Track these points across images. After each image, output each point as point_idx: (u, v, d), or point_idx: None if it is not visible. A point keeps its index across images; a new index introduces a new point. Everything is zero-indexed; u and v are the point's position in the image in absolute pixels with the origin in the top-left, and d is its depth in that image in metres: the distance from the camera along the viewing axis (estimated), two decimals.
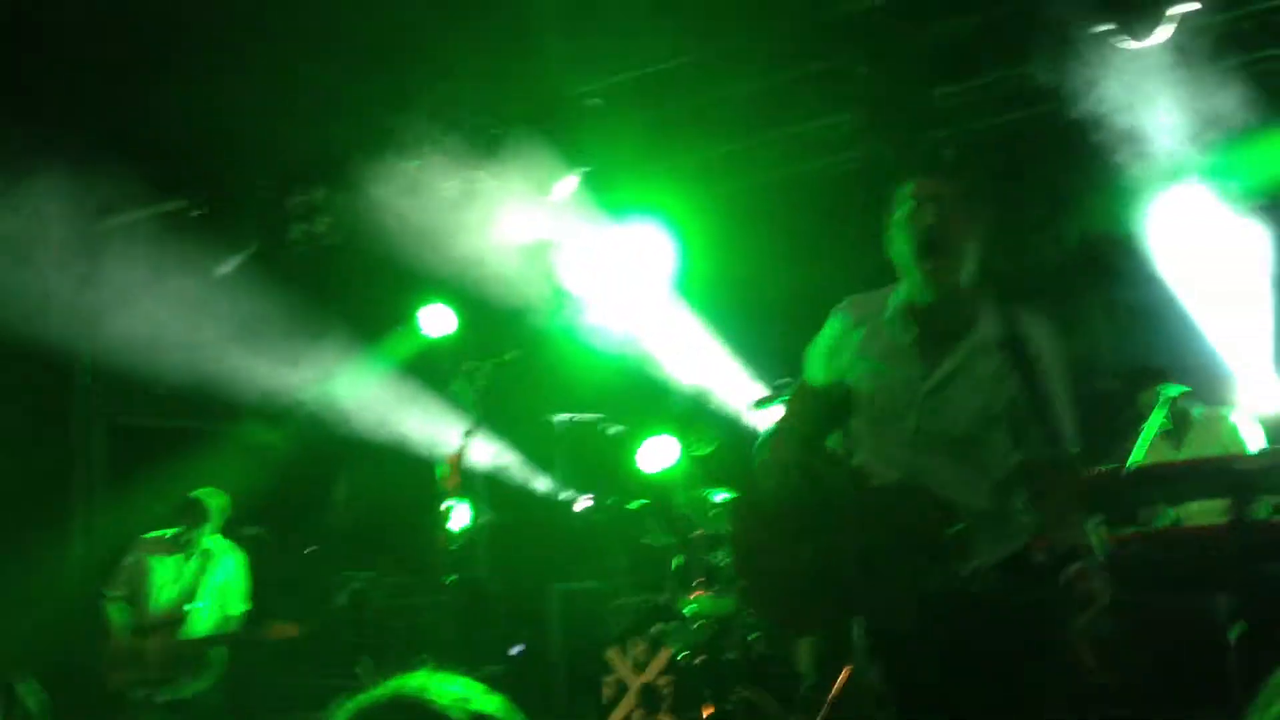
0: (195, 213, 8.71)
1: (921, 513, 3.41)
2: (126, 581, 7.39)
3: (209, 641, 7.25)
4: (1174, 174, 7.11)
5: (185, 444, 8.48)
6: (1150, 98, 6.93)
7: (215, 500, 7.54)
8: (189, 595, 7.34)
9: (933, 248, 3.48)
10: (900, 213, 3.62)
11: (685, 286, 8.56)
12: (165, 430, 8.42)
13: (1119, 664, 5.83)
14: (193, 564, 7.42)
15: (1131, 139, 7.36)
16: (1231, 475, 5.83)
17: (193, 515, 7.40)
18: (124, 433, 8.57)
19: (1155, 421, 6.48)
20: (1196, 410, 6.65)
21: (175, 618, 7.26)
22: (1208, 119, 6.76)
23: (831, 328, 3.79)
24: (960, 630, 3.34)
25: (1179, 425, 6.64)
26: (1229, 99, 6.76)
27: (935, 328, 3.56)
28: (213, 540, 7.50)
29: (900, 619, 3.38)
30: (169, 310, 8.69)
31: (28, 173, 7.23)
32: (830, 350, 3.75)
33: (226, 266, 8.78)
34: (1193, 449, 6.53)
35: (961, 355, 3.53)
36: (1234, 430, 6.54)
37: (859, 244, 7.92)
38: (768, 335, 7.71)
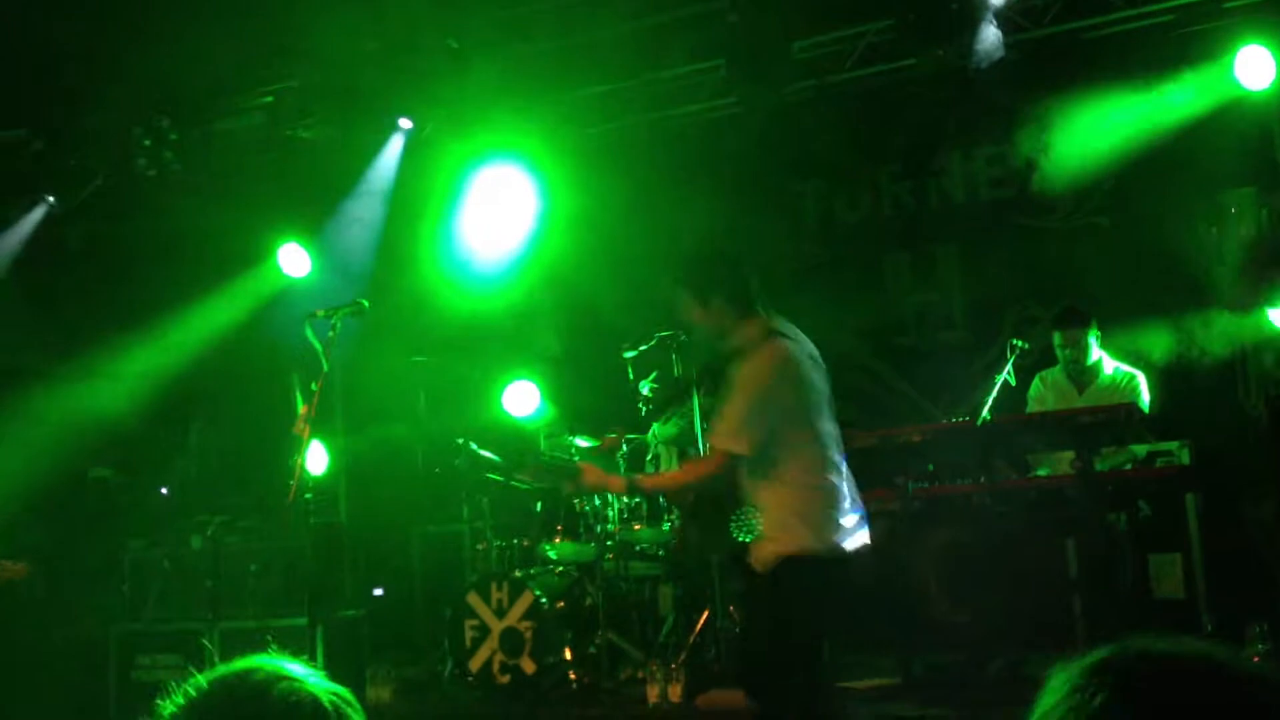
0: (39, 145, 8.38)
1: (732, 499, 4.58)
2: None
3: None
4: None
5: (28, 383, 8.17)
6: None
7: None
8: None
9: None
10: None
11: (550, 230, 8.52)
12: (5, 369, 8.09)
13: (968, 605, 6.09)
14: None
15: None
16: (1073, 428, 6.09)
17: None
18: None
19: (1005, 374, 6.70)
20: (1104, 371, 6.89)
21: None
22: None
23: None
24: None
25: (1086, 374, 6.86)
26: None
27: None
28: None
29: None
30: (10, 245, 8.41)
31: None
32: None
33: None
34: (1094, 399, 6.76)
35: None
36: (1137, 391, 6.79)
37: (725, 191, 8.08)
38: (632, 280, 7.73)
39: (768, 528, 4.42)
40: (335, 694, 1.66)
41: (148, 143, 8.54)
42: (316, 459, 7.72)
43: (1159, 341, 7.40)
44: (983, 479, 6.44)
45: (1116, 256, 7.72)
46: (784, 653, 4.35)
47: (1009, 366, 6.76)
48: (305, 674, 1.65)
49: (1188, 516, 5.91)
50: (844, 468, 4.57)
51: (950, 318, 8.48)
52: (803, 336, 4.64)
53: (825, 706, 4.52)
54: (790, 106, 8.03)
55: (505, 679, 6.80)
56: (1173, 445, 6.27)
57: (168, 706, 1.68)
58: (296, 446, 6.17)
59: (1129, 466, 6.34)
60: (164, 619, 7.63)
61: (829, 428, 4.53)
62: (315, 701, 1.62)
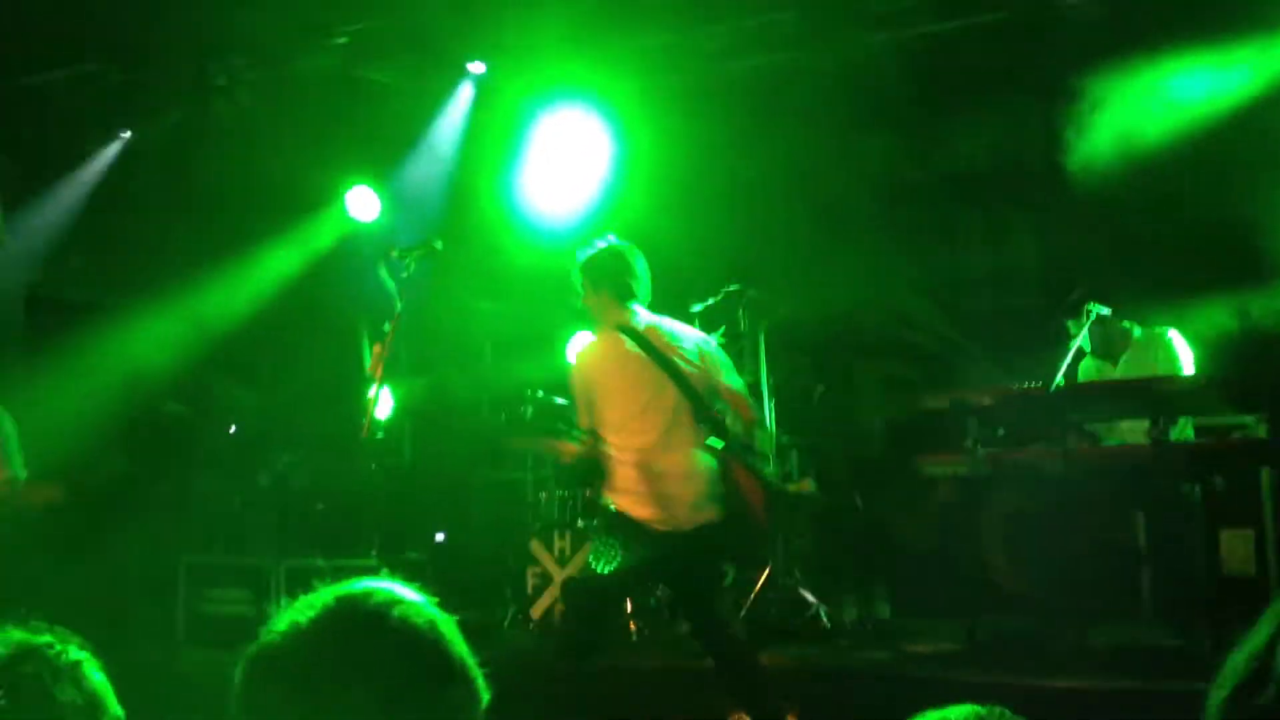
0: (116, 78, 8.43)
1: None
2: None
3: None
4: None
5: (102, 319, 8.27)
6: None
7: None
8: None
9: None
10: None
11: (619, 178, 8.45)
12: (81, 304, 8.19)
13: (1033, 573, 6.04)
14: None
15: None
16: (1150, 396, 6.00)
17: None
18: (42, 304, 8.32)
19: (1080, 339, 6.59)
20: (1137, 330, 6.73)
21: None
22: None
23: None
24: None
25: (1117, 343, 6.72)
26: None
27: None
28: None
29: None
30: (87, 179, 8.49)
31: None
32: None
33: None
34: (1130, 368, 6.64)
35: None
36: (1171, 350, 6.63)
37: (795, 142, 7.98)
38: (702, 231, 7.69)
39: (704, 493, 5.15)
40: (445, 621, 1.70)
41: (222, 81, 8.59)
42: (382, 402, 7.79)
43: (1232, 314, 7.26)
44: (1054, 446, 6.35)
45: (1189, 227, 7.56)
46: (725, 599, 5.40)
47: (1084, 332, 6.64)
48: (420, 600, 1.70)
49: (1262, 492, 5.80)
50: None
51: (1023, 281, 8.36)
52: (666, 327, 5.32)
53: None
54: (862, 59, 7.90)
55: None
56: (1249, 419, 6.16)
57: (291, 615, 1.72)
58: (370, 386, 6.24)
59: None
60: (232, 553, 7.75)
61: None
62: (432, 625, 1.67)
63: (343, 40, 8.36)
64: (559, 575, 6.97)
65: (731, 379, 5.40)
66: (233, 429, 8.53)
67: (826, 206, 7.88)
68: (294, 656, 1.70)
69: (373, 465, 7.39)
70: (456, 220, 8.63)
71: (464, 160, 8.88)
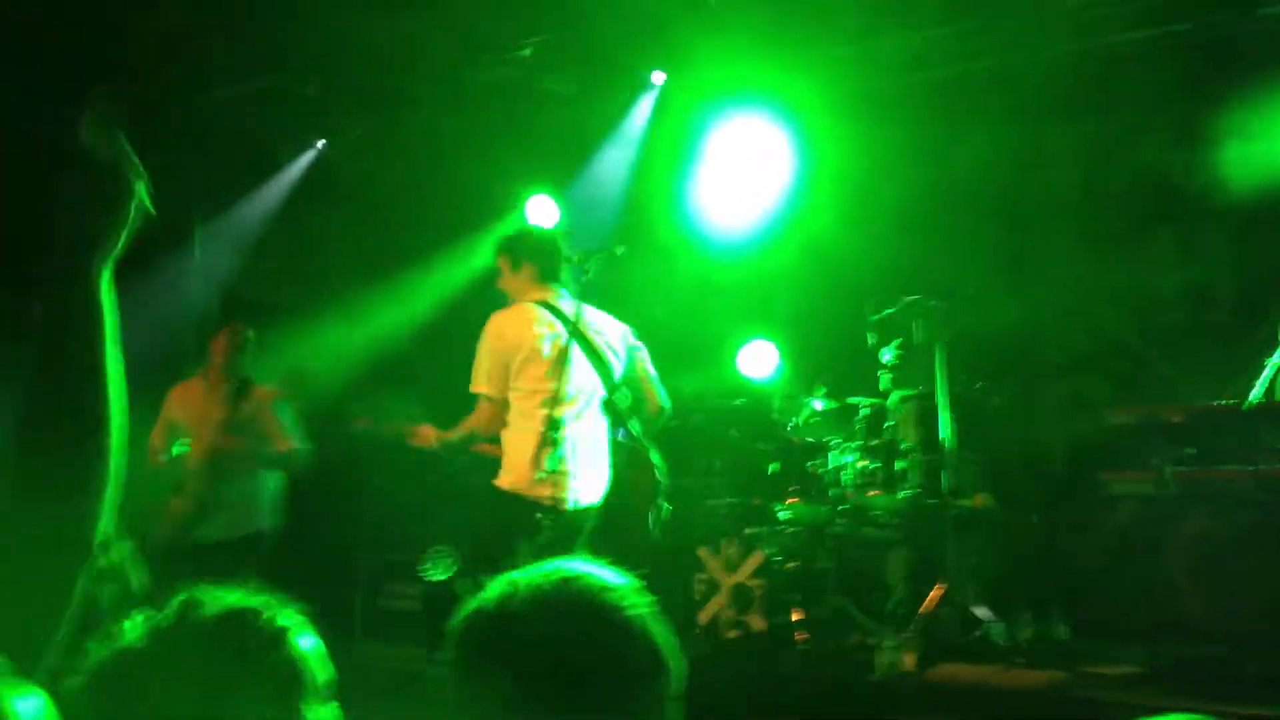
0: (305, 91, 8.74)
1: None
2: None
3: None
4: None
5: (293, 317, 8.58)
6: None
7: None
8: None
9: None
10: None
11: (798, 185, 8.40)
12: (273, 305, 8.50)
13: (1222, 598, 5.79)
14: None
15: None
16: None
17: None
18: (238, 304, 8.66)
19: (1277, 358, 6.29)
20: None
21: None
22: None
23: None
24: None
25: None
26: None
27: None
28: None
29: None
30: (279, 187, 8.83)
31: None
32: None
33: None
34: None
35: None
36: None
37: (981, 151, 7.83)
38: (883, 238, 7.60)
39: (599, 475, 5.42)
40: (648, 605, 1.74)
41: (408, 94, 8.84)
42: None
43: None
44: (1246, 466, 6.08)
45: None
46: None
47: None
48: (622, 581, 1.77)
49: None
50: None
51: (1216, 297, 8.03)
52: (588, 313, 5.55)
53: None
54: (1052, 68, 7.71)
55: (733, 634, 6.83)
56: None
57: (502, 587, 1.76)
58: None
59: None
60: (406, 552, 7.95)
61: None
62: (642, 613, 1.76)
63: (525, 52, 8.54)
64: (727, 581, 6.96)
65: (649, 370, 5.67)
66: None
67: (1013, 218, 7.70)
68: (505, 629, 1.75)
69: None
70: (631, 229, 8.72)
71: (640, 169, 8.96)
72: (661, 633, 1.80)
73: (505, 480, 5.33)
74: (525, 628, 1.74)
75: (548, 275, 5.60)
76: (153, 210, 2.05)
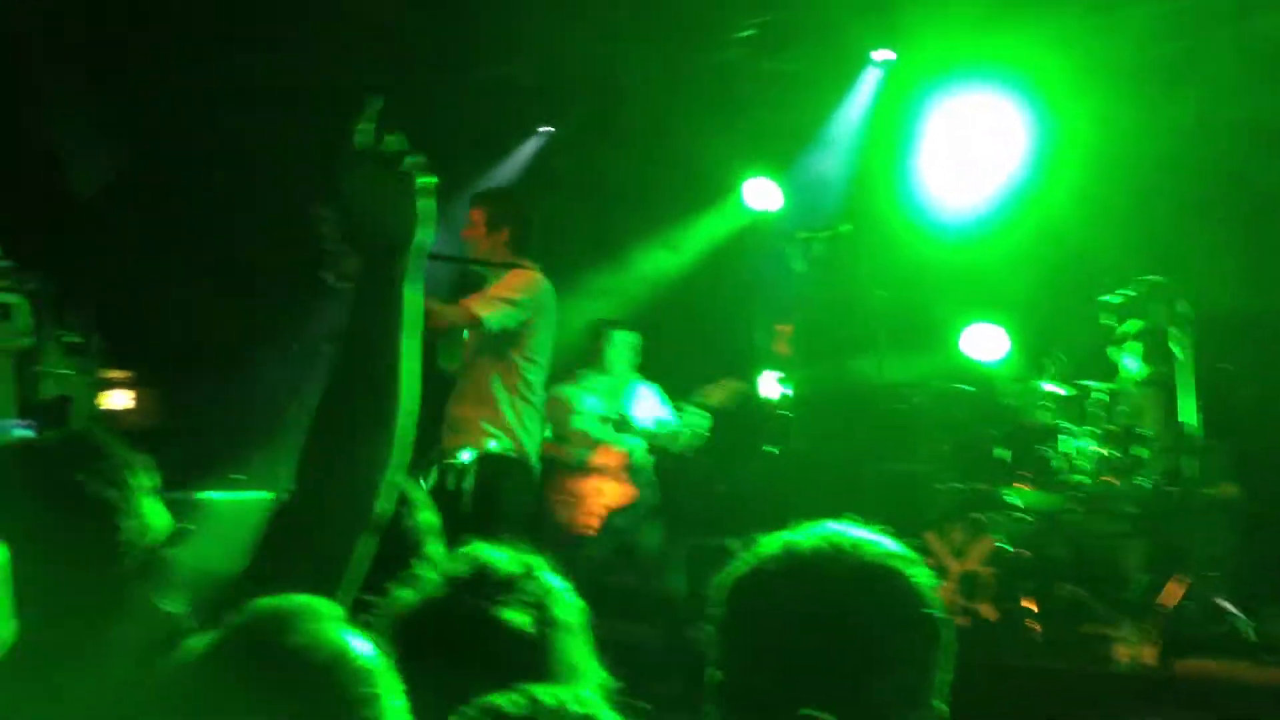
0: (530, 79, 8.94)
1: None
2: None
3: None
4: None
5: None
6: None
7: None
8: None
9: None
10: None
11: (1034, 164, 8.15)
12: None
13: None
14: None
15: None
16: None
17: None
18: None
19: None
20: None
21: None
22: None
23: None
24: None
25: None
26: None
27: None
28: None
29: None
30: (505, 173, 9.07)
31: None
32: None
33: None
34: None
35: None
36: None
37: (1228, 129, 7.46)
38: (1123, 218, 7.33)
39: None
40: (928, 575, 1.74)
41: (631, 77, 8.93)
42: (770, 386, 7.89)
43: None
44: None
45: None
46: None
47: None
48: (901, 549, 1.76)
49: None
50: None
51: None
52: None
53: None
54: None
55: (964, 621, 6.70)
56: None
57: (776, 548, 1.77)
58: (776, 365, 6.33)
59: None
60: None
61: None
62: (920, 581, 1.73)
63: (748, 33, 8.53)
64: (955, 568, 6.85)
65: None
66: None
67: (1263, 196, 7.32)
68: (781, 590, 1.75)
69: (770, 449, 7.49)
70: (854, 210, 8.61)
71: (864, 148, 8.85)
72: (939, 603, 1.78)
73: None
74: (801, 589, 1.73)
75: (522, 244, 5.65)
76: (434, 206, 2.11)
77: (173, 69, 8.03)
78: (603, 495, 7.20)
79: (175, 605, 1.92)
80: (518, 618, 1.87)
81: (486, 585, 1.90)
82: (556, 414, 7.08)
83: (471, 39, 8.37)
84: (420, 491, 2.42)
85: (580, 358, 7.43)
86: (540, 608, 1.90)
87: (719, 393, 7.27)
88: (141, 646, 1.81)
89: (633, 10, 8.09)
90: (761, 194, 8.68)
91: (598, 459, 7.22)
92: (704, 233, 9.22)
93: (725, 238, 9.20)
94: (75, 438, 1.92)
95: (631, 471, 7.26)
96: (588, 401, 7.29)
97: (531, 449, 5.67)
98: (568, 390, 7.25)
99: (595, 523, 7.12)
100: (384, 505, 1.97)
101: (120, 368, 8.10)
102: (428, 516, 2.42)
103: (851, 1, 7.89)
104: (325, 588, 1.78)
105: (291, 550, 1.89)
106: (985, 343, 8.02)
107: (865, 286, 8.04)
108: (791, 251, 6.34)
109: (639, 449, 7.27)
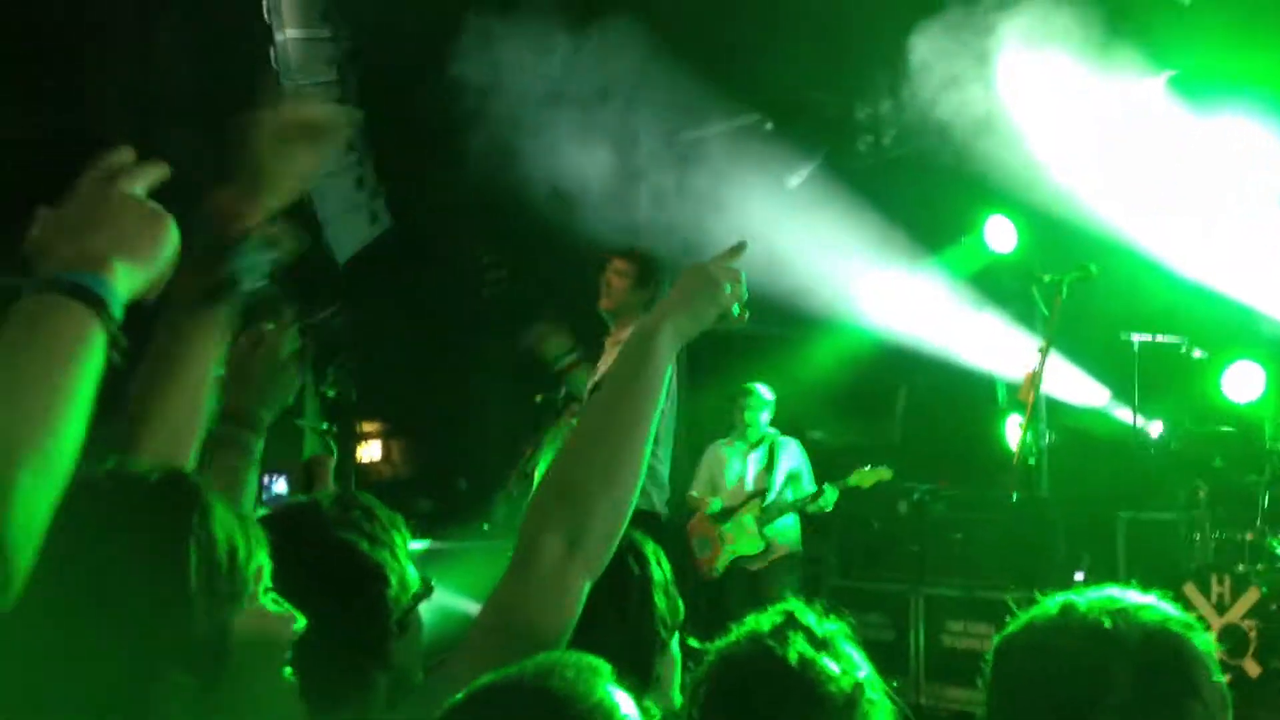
0: (767, 126, 8.99)
1: None
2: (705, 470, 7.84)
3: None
4: None
5: (759, 349, 8.82)
6: None
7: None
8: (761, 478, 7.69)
9: None
10: None
11: None
12: (740, 335, 8.78)
13: None
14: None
15: None
16: None
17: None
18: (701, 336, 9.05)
19: None
20: None
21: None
22: None
23: None
24: None
25: None
26: None
27: None
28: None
29: None
30: (749, 220, 9.09)
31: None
32: None
33: (797, 178, 9.02)
34: None
35: None
36: None
37: None
38: None
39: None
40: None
41: (866, 122, 8.92)
42: (1013, 432, 7.69)
43: None
44: None
45: None
46: None
47: None
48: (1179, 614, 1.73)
49: None
50: None
51: None
52: None
53: None
54: None
55: (1225, 679, 6.34)
56: None
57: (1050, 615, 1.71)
58: (1018, 412, 6.14)
59: None
60: (870, 578, 7.96)
61: None
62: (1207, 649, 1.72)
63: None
64: (1217, 623, 6.49)
65: None
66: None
67: None
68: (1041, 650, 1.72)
69: (1014, 496, 7.29)
70: (1097, 249, 8.32)
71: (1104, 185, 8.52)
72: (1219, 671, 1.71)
73: None
74: (1079, 654, 1.69)
75: (651, 307, 5.56)
76: None
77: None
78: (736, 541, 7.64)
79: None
80: (836, 681, 1.79)
81: (810, 642, 1.83)
82: (712, 470, 7.85)
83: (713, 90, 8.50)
84: (650, 545, 2.47)
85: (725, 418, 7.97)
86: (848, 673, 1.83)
87: (869, 478, 7.52)
88: (394, 698, 1.89)
89: (862, 57, 8.07)
90: (1000, 234, 8.50)
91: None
92: (940, 275, 9.07)
93: (964, 277, 9.02)
94: (344, 500, 2.01)
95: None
96: (735, 466, 7.81)
97: (658, 501, 5.63)
98: (724, 449, 7.90)
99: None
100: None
101: (374, 420, 8.52)
102: (656, 571, 2.45)
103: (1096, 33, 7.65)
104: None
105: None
106: (1245, 383, 7.62)
107: (1111, 328, 7.77)
108: (1037, 292, 6.14)
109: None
